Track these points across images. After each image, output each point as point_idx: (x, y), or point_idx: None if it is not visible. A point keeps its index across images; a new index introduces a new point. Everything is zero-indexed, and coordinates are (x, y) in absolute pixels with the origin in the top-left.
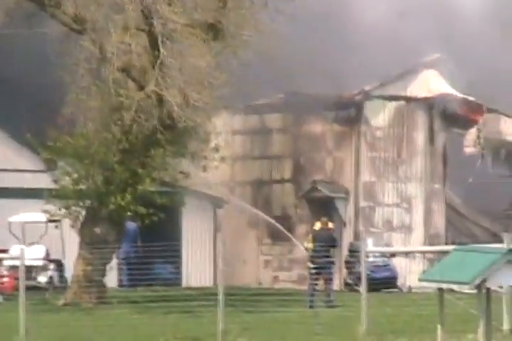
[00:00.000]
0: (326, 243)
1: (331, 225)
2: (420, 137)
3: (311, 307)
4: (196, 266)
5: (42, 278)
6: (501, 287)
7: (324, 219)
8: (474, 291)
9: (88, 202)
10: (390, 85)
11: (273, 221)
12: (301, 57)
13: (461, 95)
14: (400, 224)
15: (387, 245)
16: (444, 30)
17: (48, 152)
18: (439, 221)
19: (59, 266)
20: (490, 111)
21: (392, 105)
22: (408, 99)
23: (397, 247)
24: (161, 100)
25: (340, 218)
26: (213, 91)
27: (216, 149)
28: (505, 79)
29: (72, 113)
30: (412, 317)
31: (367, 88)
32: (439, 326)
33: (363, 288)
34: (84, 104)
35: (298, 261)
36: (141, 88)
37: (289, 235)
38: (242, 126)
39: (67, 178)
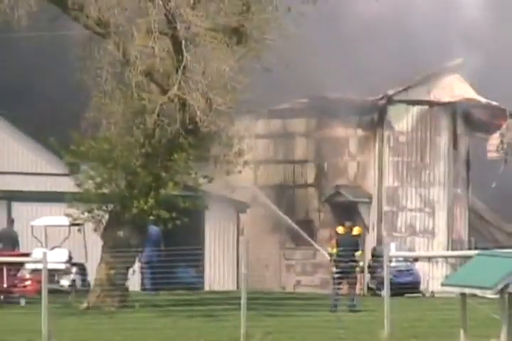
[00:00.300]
0: (350, 247)
1: (356, 230)
2: (443, 142)
3: (332, 311)
4: (219, 270)
5: (64, 282)
6: None
7: (348, 223)
8: (497, 296)
9: (111, 206)
10: (413, 90)
11: (295, 226)
12: (324, 62)
13: (485, 100)
14: (423, 228)
15: (410, 250)
16: (469, 34)
17: (71, 155)
18: (462, 226)
19: (81, 269)
20: None
21: (415, 110)
22: (431, 104)
23: (419, 252)
24: (183, 104)
25: (363, 223)
26: (236, 96)
27: (239, 153)
28: None
29: (95, 117)
30: (435, 321)
31: (390, 92)
32: (461, 331)
33: (385, 292)
34: (107, 107)
35: (321, 266)
36: (164, 92)
37: (311, 240)
38: (265, 130)
39: (90, 182)
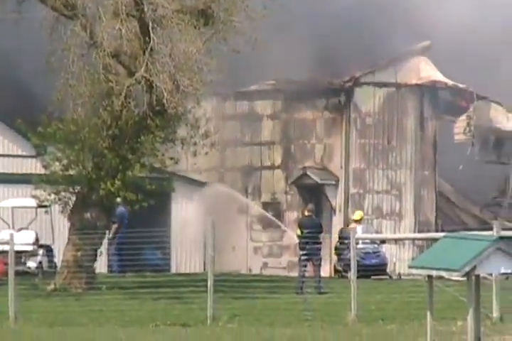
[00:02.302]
0: (314, 229)
1: (358, 214)
2: (410, 124)
3: (298, 293)
4: (186, 251)
5: (31, 264)
6: (490, 274)
7: (310, 206)
8: (464, 278)
9: (78, 188)
10: (380, 72)
11: (263, 211)
12: (291, 44)
13: (452, 82)
14: (390, 211)
15: (377, 232)
16: (434, 17)
17: (38, 137)
18: (429, 208)
19: (48, 251)
20: (480, 98)
21: (382, 92)
22: (398, 86)
23: (386, 234)
24: (151, 86)
25: (330, 205)
26: (203, 77)
27: (206, 135)
28: (496, 66)
29: (62, 98)
30: (402, 304)
31: (357, 75)
32: (428, 313)
33: (352, 274)
34: (74, 89)
35: (287, 248)
36: (131, 74)
37: (279, 222)
38: (232, 112)
39: (57, 164)
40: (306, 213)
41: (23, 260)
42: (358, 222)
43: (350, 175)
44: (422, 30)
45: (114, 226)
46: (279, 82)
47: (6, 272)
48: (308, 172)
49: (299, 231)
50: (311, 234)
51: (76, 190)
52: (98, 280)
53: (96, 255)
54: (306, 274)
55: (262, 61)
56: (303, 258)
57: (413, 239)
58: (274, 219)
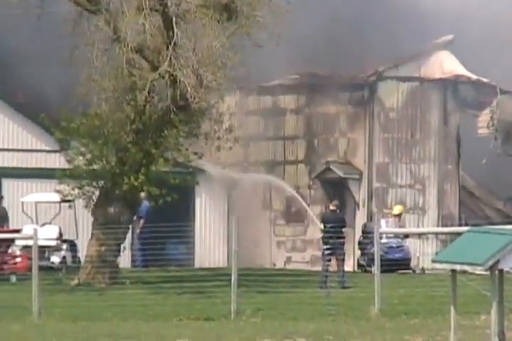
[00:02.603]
0: (337, 224)
1: (397, 209)
2: (434, 118)
3: (322, 287)
4: (209, 246)
5: (55, 259)
6: None
7: (335, 201)
8: (487, 273)
9: (101, 183)
10: (403, 66)
11: (304, 204)
12: (314, 38)
13: (475, 76)
14: (413, 205)
15: (401, 226)
16: (460, 11)
17: (61, 132)
18: (453, 202)
19: (72, 246)
20: (503, 92)
21: (405, 86)
22: (422, 80)
23: (410, 228)
24: (174, 81)
25: (353, 199)
26: (227, 72)
27: (230, 130)
28: None
29: (86, 93)
30: (425, 298)
31: (380, 69)
32: (451, 307)
33: (376, 269)
34: (97, 84)
35: (311, 242)
36: (155, 68)
37: (310, 212)
38: (255, 106)
39: (80, 158)
40: (331, 207)
41: (46, 255)
42: (397, 216)
43: (373, 170)
44: (445, 24)
45: (141, 221)
46: (303, 77)
47: (29, 267)
48: (331, 167)
49: (322, 226)
50: (334, 228)
51: (100, 185)
52: (122, 275)
53: (119, 250)
54: (330, 269)
55: (285, 55)
56: (326, 252)
57: (436, 234)
58: (306, 207)
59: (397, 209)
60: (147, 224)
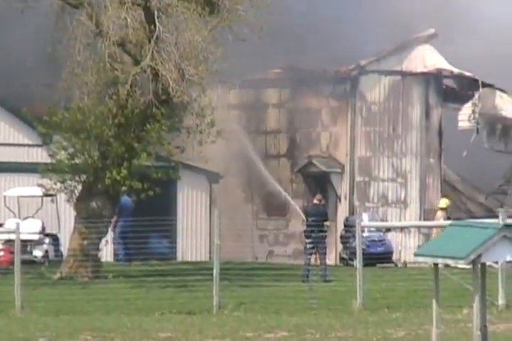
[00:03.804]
0: (319, 218)
1: (443, 202)
2: (416, 112)
3: (304, 281)
4: (191, 240)
5: (37, 252)
6: (496, 262)
7: (319, 195)
8: (469, 266)
9: (84, 177)
10: (385, 60)
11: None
12: (296, 32)
13: (457, 70)
14: (395, 198)
15: (383, 220)
16: (439, 5)
17: (44, 126)
18: (435, 195)
19: (54, 240)
20: (485, 86)
21: (387, 80)
22: (404, 74)
23: (392, 222)
24: (156, 74)
25: (335, 193)
26: (209, 66)
27: (212, 124)
28: (501, 54)
29: (68, 87)
30: (407, 292)
31: (362, 63)
32: (434, 301)
33: (358, 262)
34: (80, 78)
35: (293, 236)
36: (137, 62)
37: (295, 205)
38: (237, 100)
39: (62, 152)
40: (315, 201)
41: (29, 249)
42: (444, 209)
43: (355, 163)
44: (428, 18)
45: (112, 219)
46: (285, 71)
47: (12, 261)
48: (313, 161)
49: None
50: (316, 222)
51: (82, 179)
52: (104, 268)
53: (101, 244)
54: (312, 262)
55: (267, 49)
56: (308, 246)
57: (418, 227)
58: (288, 197)
59: (443, 202)
60: (125, 218)
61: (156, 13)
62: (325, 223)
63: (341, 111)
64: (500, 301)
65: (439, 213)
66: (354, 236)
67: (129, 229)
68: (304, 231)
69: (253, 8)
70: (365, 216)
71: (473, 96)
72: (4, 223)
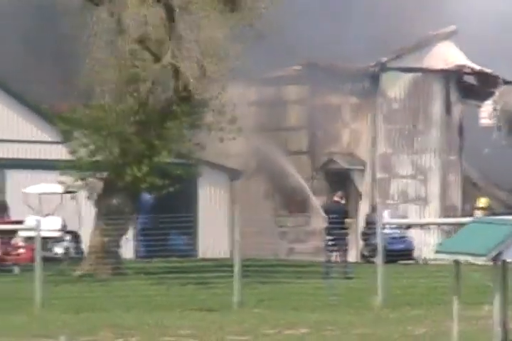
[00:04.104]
0: (340, 215)
1: (483, 202)
2: (436, 109)
3: (324, 278)
4: (212, 237)
5: (58, 250)
6: None
7: (340, 193)
8: (490, 263)
9: (104, 174)
10: (406, 57)
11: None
12: (317, 30)
13: (478, 67)
14: (416, 196)
15: (403, 217)
16: (462, 0)
17: (64, 123)
18: (455, 193)
19: (75, 237)
20: (506, 83)
21: (408, 77)
22: (424, 71)
23: (413, 219)
24: (177, 72)
25: (356, 190)
26: (229, 63)
27: (232, 121)
28: None
29: (89, 84)
30: (428, 289)
31: (383, 60)
32: (454, 298)
33: (378, 259)
34: (100, 75)
35: (313, 233)
36: (158, 60)
37: (315, 202)
38: (258, 97)
39: (83, 150)
40: (335, 198)
41: (49, 246)
42: (483, 209)
43: (376, 160)
44: (448, 15)
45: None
46: (306, 67)
47: (32, 258)
48: (334, 158)
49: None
50: (337, 219)
51: (102, 176)
52: (125, 265)
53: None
54: (333, 259)
55: (288, 46)
56: (329, 243)
57: (439, 224)
58: (309, 191)
59: (484, 201)
60: (145, 215)
61: (176, 10)
62: (346, 220)
63: (362, 108)
64: None
65: (478, 212)
66: (375, 234)
67: (148, 226)
68: (325, 229)
69: (274, 6)
70: (385, 213)
71: (494, 93)
72: (25, 220)
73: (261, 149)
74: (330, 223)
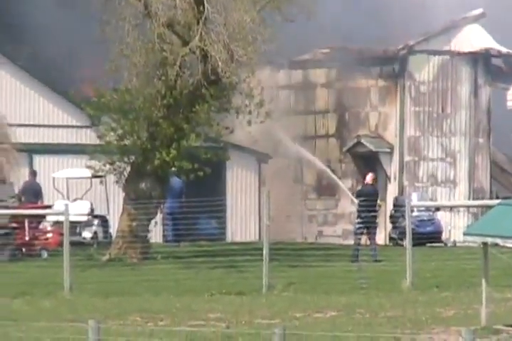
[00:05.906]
0: (371, 197)
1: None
2: (464, 91)
3: (353, 261)
4: (241, 221)
5: (86, 234)
6: None
7: (372, 174)
8: None
9: (133, 158)
10: (433, 40)
11: (327, 169)
12: (345, 12)
13: (505, 50)
14: (445, 178)
15: (432, 199)
16: None
17: (92, 107)
18: (484, 175)
19: (103, 221)
20: None
21: (436, 60)
22: (452, 54)
23: (441, 202)
24: (205, 55)
25: (384, 173)
26: (258, 47)
27: (260, 104)
28: None
29: (117, 68)
30: (457, 271)
31: (411, 43)
32: (483, 280)
33: (407, 242)
34: (128, 59)
35: (342, 216)
36: (186, 43)
37: (343, 186)
38: (286, 81)
39: (111, 134)
40: (368, 181)
41: (78, 230)
42: None
43: (404, 143)
44: None
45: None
46: (333, 50)
47: (61, 243)
48: (362, 141)
49: (356, 200)
50: (369, 202)
51: (131, 160)
52: (153, 250)
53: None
54: (361, 242)
55: (316, 30)
56: (359, 226)
57: (468, 207)
58: (339, 182)
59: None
60: (179, 199)
61: None
62: (378, 203)
63: (390, 91)
64: None
65: None
66: (403, 216)
67: (177, 210)
68: (357, 211)
69: None
70: (414, 196)
71: None
72: (53, 204)
73: (286, 133)
74: (361, 206)
